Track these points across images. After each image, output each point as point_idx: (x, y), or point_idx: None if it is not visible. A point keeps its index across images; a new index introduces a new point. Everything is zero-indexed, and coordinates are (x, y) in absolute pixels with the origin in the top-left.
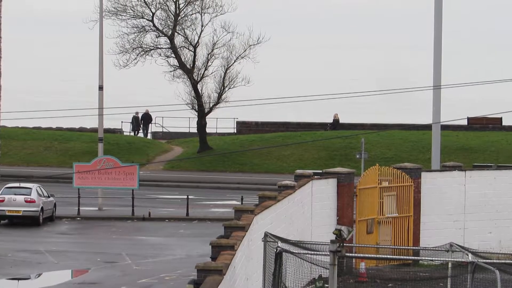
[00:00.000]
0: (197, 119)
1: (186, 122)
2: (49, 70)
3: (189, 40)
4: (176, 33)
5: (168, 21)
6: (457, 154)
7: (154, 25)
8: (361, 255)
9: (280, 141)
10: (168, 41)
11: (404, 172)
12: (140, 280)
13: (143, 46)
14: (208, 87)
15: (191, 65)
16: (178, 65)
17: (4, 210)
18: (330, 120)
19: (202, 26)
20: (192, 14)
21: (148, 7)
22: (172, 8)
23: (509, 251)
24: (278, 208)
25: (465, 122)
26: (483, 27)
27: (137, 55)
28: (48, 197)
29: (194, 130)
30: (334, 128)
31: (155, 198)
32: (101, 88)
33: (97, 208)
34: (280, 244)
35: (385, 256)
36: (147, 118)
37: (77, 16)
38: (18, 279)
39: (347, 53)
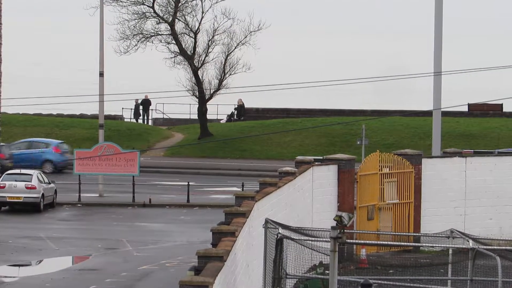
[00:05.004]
0: (197, 105)
1: (187, 109)
2: (50, 56)
3: (190, 26)
4: (176, 20)
5: (169, 8)
6: (458, 140)
7: (154, 12)
8: (362, 241)
9: (281, 128)
10: (169, 27)
11: (404, 158)
12: (141, 266)
13: (144, 32)
14: (209, 74)
15: (192, 52)
16: (178, 51)
17: (5, 197)
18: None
19: (202, 12)
20: (193, 0)
21: None
22: None
23: (510, 237)
24: (279, 194)
25: (465, 109)
26: (483, 14)
27: (138, 41)
28: (49, 183)
29: (195, 117)
30: (239, 114)
31: (155, 184)
32: (101, 74)
33: (97, 195)
34: (280, 230)
35: (386, 242)
36: (146, 104)
37: (78, 2)
38: (19, 265)
39: (349, 39)
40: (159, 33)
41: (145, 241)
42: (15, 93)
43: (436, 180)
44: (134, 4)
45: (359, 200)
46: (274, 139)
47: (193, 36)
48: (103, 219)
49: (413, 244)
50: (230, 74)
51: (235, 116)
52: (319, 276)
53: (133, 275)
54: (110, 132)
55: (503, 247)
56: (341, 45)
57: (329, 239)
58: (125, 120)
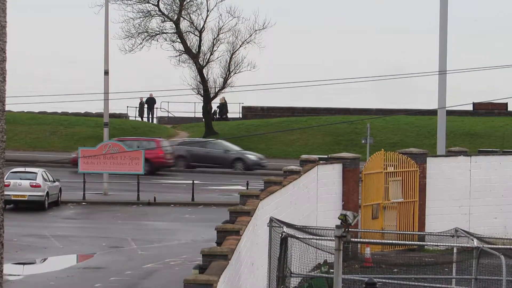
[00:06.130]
0: (202, 104)
1: (192, 107)
2: (55, 54)
3: (195, 25)
4: (181, 18)
5: (174, 6)
6: (463, 139)
7: (159, 10)
8: (367, 240)
9: (286, 126)
10: (174, 26)
11: (409, 157)
12: (145, 265)
13: (149, 31)
14: (214, 72)
15: (197, 50)
16: (183, 50)
17: (9, 195)
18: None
19: (207, 11)
20: None
21: None
22: None
23: None
24: (283, 193)
25: (470, 108)
26: (486, 14)
27: (143, 40)
28: (54, 181)
29: (200, 115)
30: (221, 112)
31: (160, 183)
32: (106, 73)
33: (102, 193)
34: (285, 229)
35: (391, 241)
36: (151, 102)
37: (83, 0)
38: (24, 263)
39: (352, 38)
40: (164, 31)
41: (149, 240)
42: (20, 91)
43: (441, 179)
44: (139, 2)
45: (364, 199)
46: (279, 138)
47: (198, 35)
48: (107, 217)
49: (418, 243)
50: (235, 73)
51: (218, 114)
52: (324, 275)
53: (137, 274)
54: (115, 130)
55: (508, 246)
56: (343, 45)
57: (333, 238)
58: (130, 118)
